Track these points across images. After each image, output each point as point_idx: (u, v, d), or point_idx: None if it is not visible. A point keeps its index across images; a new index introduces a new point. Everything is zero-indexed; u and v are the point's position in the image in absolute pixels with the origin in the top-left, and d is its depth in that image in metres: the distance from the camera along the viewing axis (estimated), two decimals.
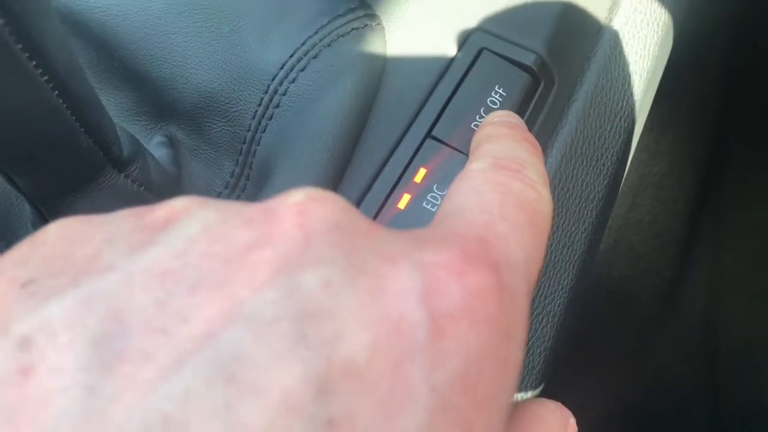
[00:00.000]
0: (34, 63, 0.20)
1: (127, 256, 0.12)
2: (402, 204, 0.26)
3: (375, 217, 0.26)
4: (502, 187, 0.16)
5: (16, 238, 0.32)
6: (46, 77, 0.20)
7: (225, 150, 0.31)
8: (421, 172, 0.26)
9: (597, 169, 0.30)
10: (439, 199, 0.26)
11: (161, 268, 0.12)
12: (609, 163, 0.31)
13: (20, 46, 0.19)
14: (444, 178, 0.26)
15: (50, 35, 0.20)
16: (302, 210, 0.13)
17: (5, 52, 0.19)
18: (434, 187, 0.26)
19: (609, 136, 0.31)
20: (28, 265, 0.13)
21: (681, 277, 0.60)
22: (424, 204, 0.26)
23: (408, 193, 0.26)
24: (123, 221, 0.14)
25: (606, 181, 0.30)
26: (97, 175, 0.24)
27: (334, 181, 0.26)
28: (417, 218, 0.26)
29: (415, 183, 0.26)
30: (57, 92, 0.21)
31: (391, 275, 0.12)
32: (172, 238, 0.13)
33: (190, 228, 0.13)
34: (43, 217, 0.26)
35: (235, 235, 0.13)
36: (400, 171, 0.26)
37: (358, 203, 0.26)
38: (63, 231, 0.14)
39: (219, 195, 0.31)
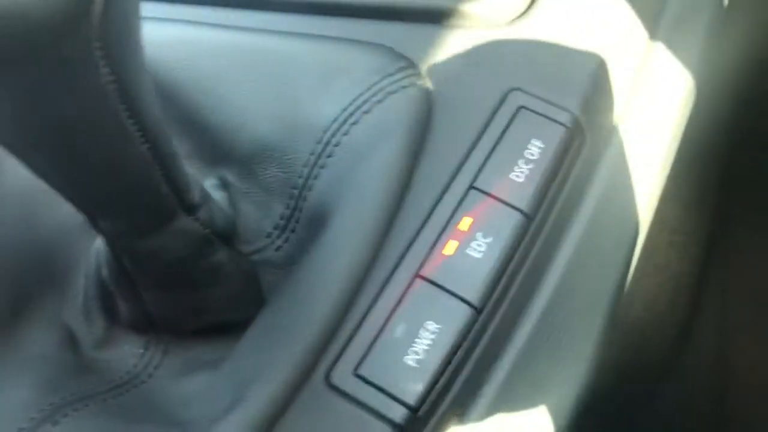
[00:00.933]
0: (132, 120, 0.22)
1: None
2: (448, 250, 0.28)
3: (423, 263, 0.28)
4: None
5: (75, 265, 0.33)
6: (140, 132, 0.22)
7: (276, 194, 0.33)
8: (465, 221, 0.28)
9: (624, 219, 0.32)
10: (484, 246, 0.28)
11: None
12: (634, 213, 0.33)
13: (124, 105, 0.21)
14: (487, 226, 0.28)
15: (146, 92, 0.22)
16: None
17: (110, 109, 0.21)
18: (478, 235, 0.28)
19: (635, 188, 0.33)
20: None
21: (693, 320, 0.62)
22: (468, 251, 0.28)
23: (454, 239, 0.28)
24: None
25: (633, 233, 0.32)
26: (170, 219, 0.27)
27: (385, 228, 0.28)
28: (462, 264, 0.28)
29: (460, 231, 0.28)
30: (148, 146, 0.23)
31: None
32: None
33: None
34: (116, 254, 0.28)
35: None
36: (446, 219, 0.29)
37: (406, 250, 0.28)
38: None
39: (269, 235, 0.33)
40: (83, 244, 0.33)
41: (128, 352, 0.32)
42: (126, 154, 0.23)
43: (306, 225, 0.32)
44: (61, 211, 0.33)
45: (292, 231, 0.32)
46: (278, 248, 0.33)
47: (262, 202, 0.33)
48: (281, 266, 0.33)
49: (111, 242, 0.27)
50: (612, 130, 0.32)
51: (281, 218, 0.33)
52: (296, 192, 0.32)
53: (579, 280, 0.31)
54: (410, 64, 0.32)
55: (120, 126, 0.21)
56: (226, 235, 0.30)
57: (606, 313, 0.32)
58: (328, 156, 0.31)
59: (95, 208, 0.25)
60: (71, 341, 0.32)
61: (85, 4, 0.17)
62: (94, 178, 0.23)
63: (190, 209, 0.27)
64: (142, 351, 0.32)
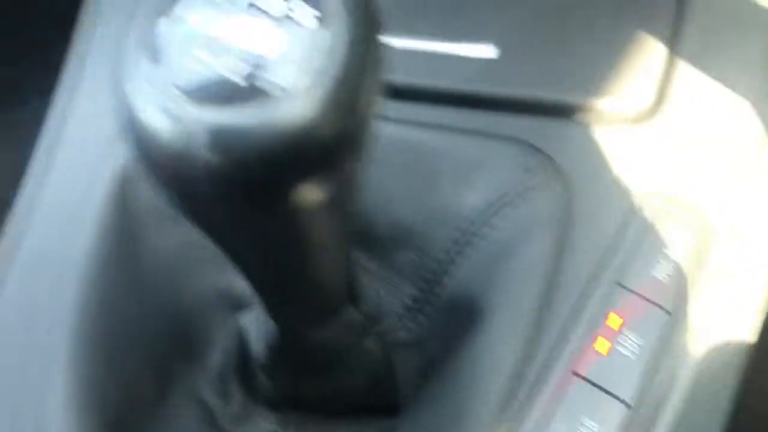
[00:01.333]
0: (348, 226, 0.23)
1: None
2: (598, 347, 0.29)
3: (576, 360, 0.29)
4: None
5: (211, 339, 0.34)
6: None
7: (407, 276, 0.34)
8: (614, 318, 0.29)
9: (743, 307, 0.33)
10: (635, 345, 0.29)
11: None
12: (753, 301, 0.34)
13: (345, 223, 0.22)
14: (636, 325, 0.29)
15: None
16: None
17: (343, 218, 0.22)
18: (627, 331, 0.29)
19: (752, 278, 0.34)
20: None
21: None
22: (618, 348, 0.29)
23: (603, 337, 0.29)
24: None
25: (752, 319, 0.33)
26: (339, 311, 0.27)
27: (537, 323, 0.29)
28: (615, 362, 0.29)
29: (610, 328, 0.29)
30: (345, 246, 0.24)
31: None
32: None
33: None
34: (283, 340, 0.29)
35: None
36: (594, 316, 0.30)
37: (557, 346, 0.29)
38: None
39: (399, 316, 0.34)
40: (219, 318, 0.34)
41: (263, 429, 0.33)
42: (330, 256, 0.24)
43: (441, 309, 0.33)
44: (199, 284, 0.34)
45: (424, 314, 0.33)
46: (409, 330, 0.33)
47: (393, 282, 0.34)
48: (411, 347, 0.33)
49: (282, 330, 0.28)
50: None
51: (413, 300, 0.34)
52: (432, 277, 0.33)
53: (709, 371, 0.32)
54: (549, 160, 0.33)
55: (338, 232, 0.22)
56: (373, 319, 0.31)
57: (731, 399, 0.33)
58: (469, 245, 0.32)
59: (280, 303, 0.26)
60: (211, 417, 0.32)
61: (354, 123, 0.18)
62: (293, 278, 0.24)
63: (353, 298, 0.28)
64: (276, 428, 0.33)
